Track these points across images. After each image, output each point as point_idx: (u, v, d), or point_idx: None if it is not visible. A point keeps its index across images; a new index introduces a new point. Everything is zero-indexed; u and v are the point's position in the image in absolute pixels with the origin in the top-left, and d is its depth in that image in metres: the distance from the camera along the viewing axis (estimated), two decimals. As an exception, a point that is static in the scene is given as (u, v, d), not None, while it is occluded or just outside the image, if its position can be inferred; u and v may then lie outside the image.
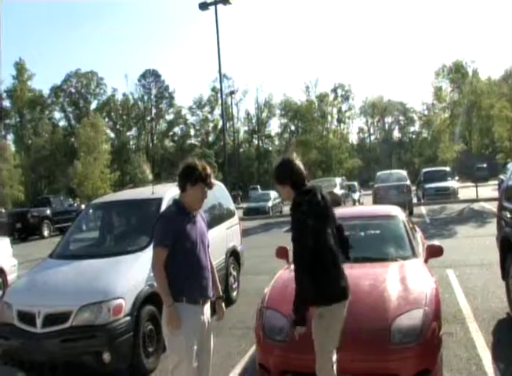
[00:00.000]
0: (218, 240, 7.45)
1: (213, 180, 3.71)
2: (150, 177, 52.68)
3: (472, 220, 16.99)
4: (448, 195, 23.99)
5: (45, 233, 24.44)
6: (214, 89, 72.13)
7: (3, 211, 27.51)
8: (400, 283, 4.47)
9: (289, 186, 3.56)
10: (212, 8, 26.37)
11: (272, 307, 4.39)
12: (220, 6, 26.37)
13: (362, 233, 5.91)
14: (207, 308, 3.72)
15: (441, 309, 4.33)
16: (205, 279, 3.67)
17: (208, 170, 3.65)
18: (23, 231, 24.15)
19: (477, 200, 23.58)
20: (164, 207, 6.12)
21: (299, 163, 3.60)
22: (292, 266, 3.54)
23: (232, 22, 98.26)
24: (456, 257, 9.96)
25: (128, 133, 75.24)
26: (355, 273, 4.78)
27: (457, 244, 11.74)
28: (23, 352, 5.10)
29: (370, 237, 5.88)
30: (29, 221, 24.12)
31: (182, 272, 3.53)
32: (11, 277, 10.15)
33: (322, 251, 3.42)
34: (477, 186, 25.77)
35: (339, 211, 6.37)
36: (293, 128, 77.04)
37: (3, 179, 37.94)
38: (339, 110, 76.39)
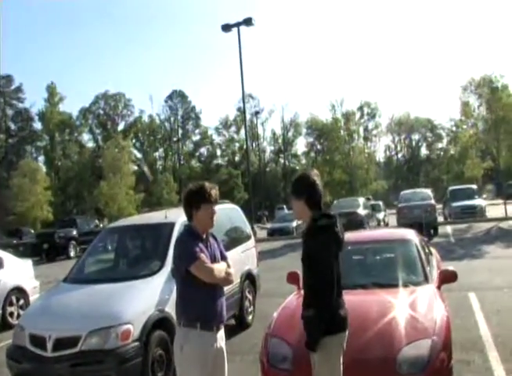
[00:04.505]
0: (233, 264, 7.42)
1: (215, 193, 3.67)
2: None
3: (500, 240, 16.57)
4: (475, 213, 23.47)
5: (71, 253, 24.78)
6: (239, 109, 72.60)
7: (32, 231, 28.03)
8: (409, 310, 4.36)
9: (303, 201, 3.40)
10: (235, 29, 26.61)
11: (278, 335, 4.35)
12: (243, 28, 26.58)
13: (374, 258, 5.84)
14: (220, 334, 3.67)
15: (452, 337, 4.20)
16: (220, 303, 3.64)
17: (206, 187, 3.64)
18: (50, 251, 24.56)
19: (506, 219, 23.01)
20: (176, 231, 6.19)
21: (318, 180, 3.46)
22: (302, 292, 3.47)
23: (257, 41, 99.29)
24: (480, 279, 9.69)
25: (155, 154, 76.22)
26: (364, 300, 4.73)
27: (482, 264, 11.42)
28: (34, 375, 5.15)
29: (382, 262, 5.80)
30: (56, 241, 24.56)
31: (198, 298, 3.51)
32: (33, 298, 10.30)
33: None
34: (506, 204, 25.11)
35: (351, 236, 6.33)
36: (319, 146, 76.88)
37: (34, 201, 38.77)
38: (365, 128, 76.04)
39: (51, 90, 60.52)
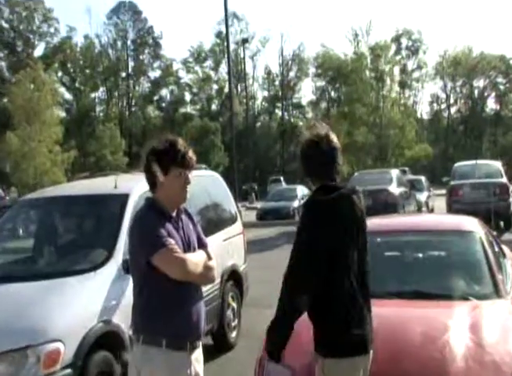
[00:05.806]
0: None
1: (191, 155, 3.70)
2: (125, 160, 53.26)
3: None
4: None
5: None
6: (219, 35, 72.37)
7: None
8: (472, 335, 4.37)
9: (311, 181, 3.59)
10: None
11: (276, 358, 4.40)
12: None
13: (417, 256, 5.89)
14: (196, 355, 3.70)
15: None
16: (197, 311, 3.66)
17: (179, 144, 3.64)
18: None
19: None
20: (130, 207, 6.22)
21: (334, 143, 3.57)
22: None
23: None
24: None
25: (93, 95, 75.75)
26: (403, 315, 4.81)
27: None
28: None
29: (429, 263, 5.86)
30: None
31: (164, 302, 3.53)
32: None
33: (335, 283, 3.44)
34: None
35: (382, 222, 6.32)
36: (333, 94, 76.94)
37: None
38: (403, 70, 76.11)
39: None
